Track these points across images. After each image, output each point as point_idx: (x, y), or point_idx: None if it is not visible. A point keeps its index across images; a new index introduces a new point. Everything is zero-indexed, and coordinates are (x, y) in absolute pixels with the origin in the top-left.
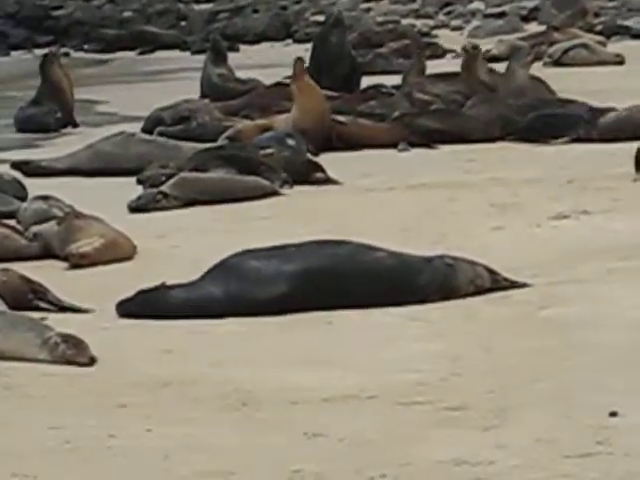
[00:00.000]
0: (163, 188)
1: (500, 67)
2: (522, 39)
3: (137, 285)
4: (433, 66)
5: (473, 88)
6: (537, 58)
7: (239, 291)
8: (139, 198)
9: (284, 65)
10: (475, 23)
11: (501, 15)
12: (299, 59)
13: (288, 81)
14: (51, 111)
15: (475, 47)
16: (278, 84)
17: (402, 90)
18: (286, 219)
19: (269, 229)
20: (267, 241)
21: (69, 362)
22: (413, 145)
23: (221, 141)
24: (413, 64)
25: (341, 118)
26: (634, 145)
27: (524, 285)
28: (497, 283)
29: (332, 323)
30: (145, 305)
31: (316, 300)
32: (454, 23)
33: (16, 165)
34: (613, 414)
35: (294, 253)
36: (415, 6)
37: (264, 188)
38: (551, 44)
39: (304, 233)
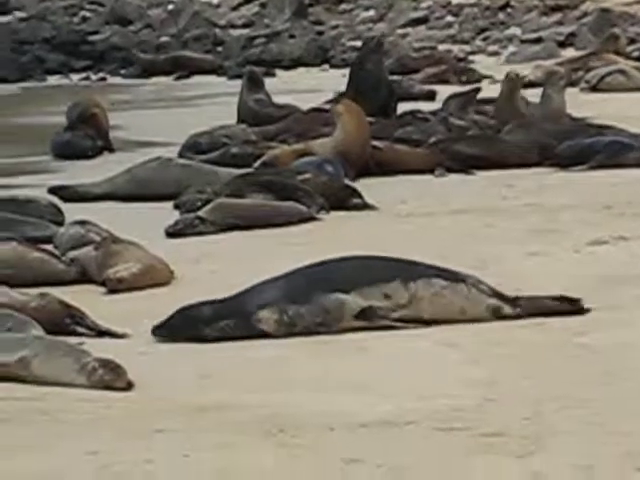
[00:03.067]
0: (200, 213)
1: (537, 92)
2: (559, 64)
3: (173, 310)
4: None
5: (508, 116)
6: (572, 83)
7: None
8: (176, 223)
9: (321, 90)
10: (512, 49)
11: (538, 41)
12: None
13: (326, 106)
14: (88, 136)
15: (518, 75)
16: (315, 109)
17: (438, 116)
18: (323, 245)
19: (306, 254)
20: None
21: (106, 387)
22: (450, 170)
23: (258, 166)
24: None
25: (378, 143)
26: None
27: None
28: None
29: (367, 349)
30: (182, 322)
31: None
32: (491, 49)
33: (53, 190)
34: None
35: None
36: (452, 32)
37: (301, 213)
38: (588, 70)
39: None
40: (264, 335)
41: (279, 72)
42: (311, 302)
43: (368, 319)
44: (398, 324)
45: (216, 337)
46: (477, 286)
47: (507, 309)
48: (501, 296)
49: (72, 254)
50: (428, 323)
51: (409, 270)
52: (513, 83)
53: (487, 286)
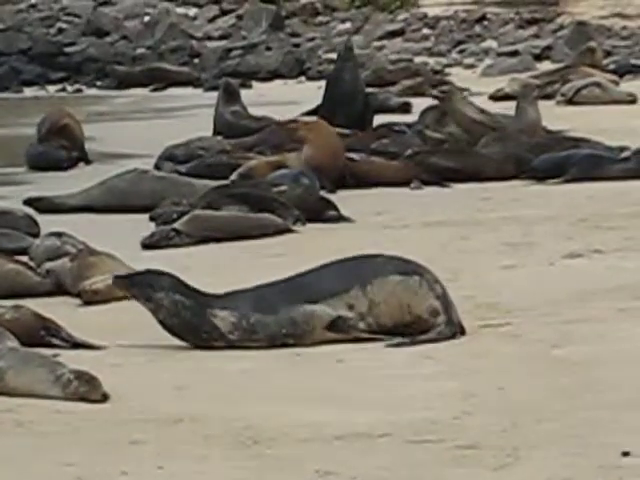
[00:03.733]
0: (176, 225)
1: (513, 105)
2: (535, 77)
3: (149, 322)
4: None
5: (466, 128)
6: (548, 96)
7: None
8: (152, 235)
9: (297, 102)
10: (488, 61)
11: (514, 54)
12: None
13: (302, 118)
14: (63, 147)
15: (444, 90)
16: (291, 121)
17: (414, 128)
18: (299, 256)
19: (282, 266)
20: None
21: (81, 399)
22: (426, 183)
23: (233, 178)
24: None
25: (354, 155)
26: None
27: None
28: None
29: (343, 361)
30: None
31: None
32: (467, 61)
33: (29, 201)
34: (626, 454)
35: None
36: (428, 44)
37: (277, 225)
38: (564, 82)
39: None
40: (213, 331)
41: (255, 84)
42: (278, 313)
43: (339, 330)
44: (366, 335)
45: (164, 307)
46: (430, 284)
47: (441, 319)
48: (446, 307)
49: (47, 266)
50: (388, 330)
51: (366, 271)
52: (447, 97)
53: (440, 289)
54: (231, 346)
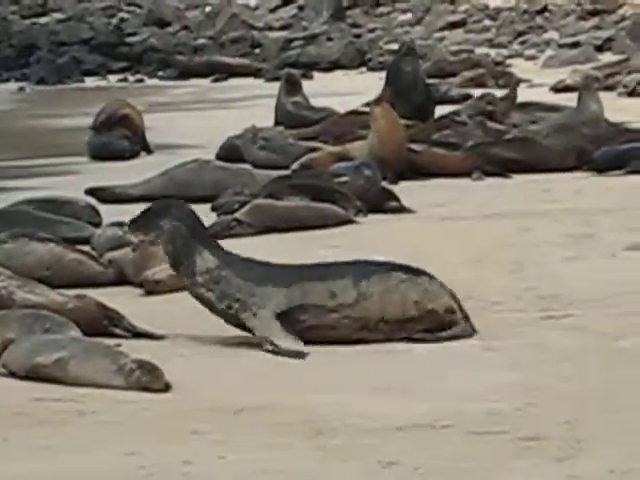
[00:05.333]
0: (237, 215)
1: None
2: (596, 69)
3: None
4: None
5: None
6: (609, 88)
7: None
8: (213, 225)
9: (358, 93)
10: (549, 53)
11: (575, 45)
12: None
13: (363, 109)
14: (125, 137)
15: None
16: (352, 112)
17: (476, 119)
18: (360, 247)
19: (342, 257)
20: None
21: (144, 388)
22: (487, 174)
23: (295, 168)
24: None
25: (415, 147)
26: None
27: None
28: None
29: (404, 352)
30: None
31: None
32: (528, 53)
33: (90, 191)
34: None
35: None
36: (489, 35)
37: (338, 216)
38: (626, 74)
39: None
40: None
41: (316, 74)
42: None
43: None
44: None
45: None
46: (441, 284)
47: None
48: (460, 305)
49: (109, 255)
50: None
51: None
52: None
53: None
54: None
